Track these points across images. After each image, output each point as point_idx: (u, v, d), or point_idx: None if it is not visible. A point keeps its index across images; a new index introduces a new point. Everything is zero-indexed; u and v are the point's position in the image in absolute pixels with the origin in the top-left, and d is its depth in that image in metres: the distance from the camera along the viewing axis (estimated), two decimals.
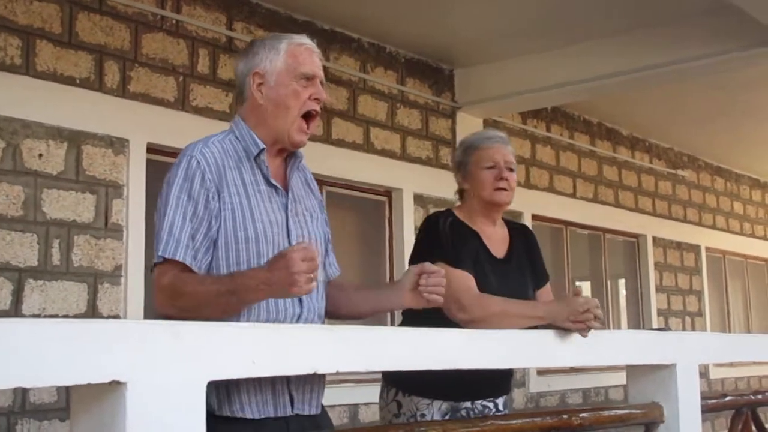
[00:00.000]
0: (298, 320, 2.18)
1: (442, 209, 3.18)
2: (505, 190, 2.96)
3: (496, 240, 3.03)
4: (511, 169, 3.00)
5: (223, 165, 2.15)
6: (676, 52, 6.01)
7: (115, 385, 1.46)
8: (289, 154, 2.29)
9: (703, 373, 9.62)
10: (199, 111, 5.16)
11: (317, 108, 2.24)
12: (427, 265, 2.30)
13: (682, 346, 3.06)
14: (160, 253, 2.07)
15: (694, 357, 3.08)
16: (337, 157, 5.98)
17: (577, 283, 8.81)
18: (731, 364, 10.33)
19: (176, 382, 1.55)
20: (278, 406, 2.14)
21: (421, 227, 3.07)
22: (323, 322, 2.32)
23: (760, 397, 3.72)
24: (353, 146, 6.14)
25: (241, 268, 2.09)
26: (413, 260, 2.95)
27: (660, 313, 9.22)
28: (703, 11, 5.73)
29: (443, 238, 2.87)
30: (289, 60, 2.22)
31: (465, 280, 2.79)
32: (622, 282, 9.31)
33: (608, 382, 7.96)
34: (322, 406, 2.32)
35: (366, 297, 2.49)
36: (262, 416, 2.11)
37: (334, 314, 2.44)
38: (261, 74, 2.22)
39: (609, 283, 8.96)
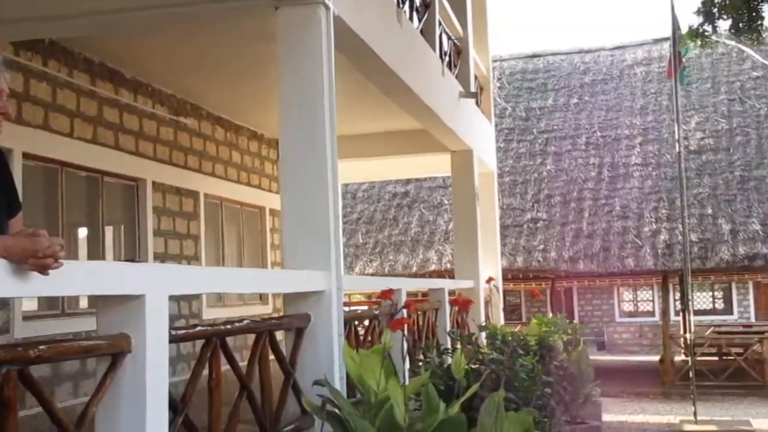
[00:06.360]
0: None
1: None
2: None
3: None
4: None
5: None
6: None
7: None
8: None
9: (197, 313, 10.03)
10: None
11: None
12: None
13: (151, 277, 3.12)
14: None
15: (163, 288, 3.16)
16: None
17: (80, 231, 8.59)
18: (224, 305, 10.92)
19: None
20: None
21: None
22: None
23: (229, 327, 3.97)
24: None
25: None
26: None
27: (157, 256, 9.37)
28: None
29: None
30: None
31: None
32: (121, 226, 9.25)
33: None
34: None
35: None
36: None
37: None
38: None
39: (107, 227, 8.85)
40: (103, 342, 2.87)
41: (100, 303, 3.01)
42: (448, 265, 18.82)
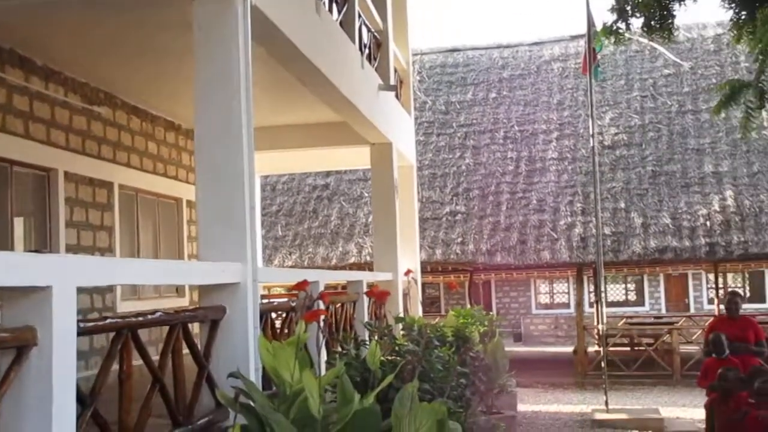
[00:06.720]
0: None
1: None
2: None
3: None
4: None
5: None
6: None
7: None
8: None
9: (111, 306, 9.83)
10: None
11: None
12: None
13: (57, 268, 3.05)
14: None
15: (71, 279, 3.10)
16: None
17: None
18: (139, 298, 10.72)
19: None
20: None
21: None
22: None
23: (140, 319, 3.91)
24: None
25: None
26: None
27: (69, 248, 9.14)
28: None
29: None
30: None
31: None
32: (31, 217, 9.00)
33: None
34: None
35: None
36: None
37: None
38: None
39: (17, 219, 8.60)
40: (7, 334, 2.80)
41: (5, 295, 2.93)
42: (368, 258, 18.87)
